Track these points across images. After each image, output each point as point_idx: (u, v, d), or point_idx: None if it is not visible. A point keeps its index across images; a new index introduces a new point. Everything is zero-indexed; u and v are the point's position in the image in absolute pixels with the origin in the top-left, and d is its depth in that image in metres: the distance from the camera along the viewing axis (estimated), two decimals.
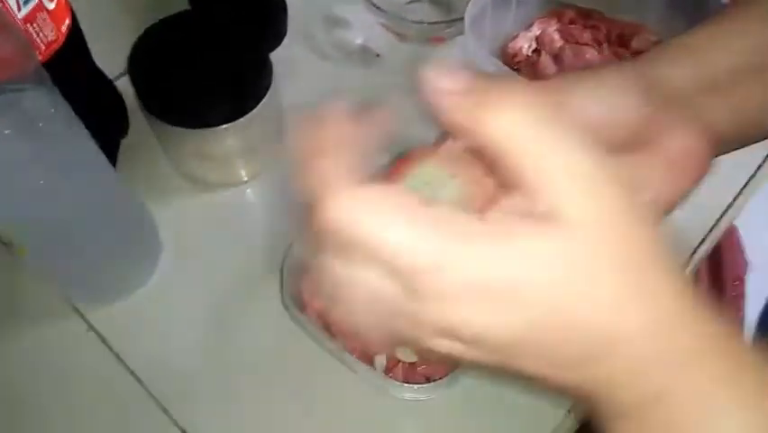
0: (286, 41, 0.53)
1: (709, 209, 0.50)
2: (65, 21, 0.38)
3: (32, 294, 0.45)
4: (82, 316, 0.45)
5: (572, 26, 0.56)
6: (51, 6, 0.37)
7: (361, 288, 0.21)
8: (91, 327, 0.45)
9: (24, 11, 0.35)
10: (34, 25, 0.36)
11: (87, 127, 0.37)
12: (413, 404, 0.42)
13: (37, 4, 0.36)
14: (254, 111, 0.44)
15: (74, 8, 0.41)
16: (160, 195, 0.49)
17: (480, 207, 0.22)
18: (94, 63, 0.46)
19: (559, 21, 0.57)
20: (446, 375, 0.40)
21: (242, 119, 0.44)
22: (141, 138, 0.51)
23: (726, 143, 0.29)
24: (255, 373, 0.43)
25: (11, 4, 0.35)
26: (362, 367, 0.40)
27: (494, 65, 0.48)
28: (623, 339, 0.20)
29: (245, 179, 0.51)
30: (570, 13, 0.57)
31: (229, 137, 0.45)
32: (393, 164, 0.25)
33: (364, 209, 0.21)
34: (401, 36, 0.57)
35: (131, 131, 0.52)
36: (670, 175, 0.28)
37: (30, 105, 0.31)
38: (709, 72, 0.28)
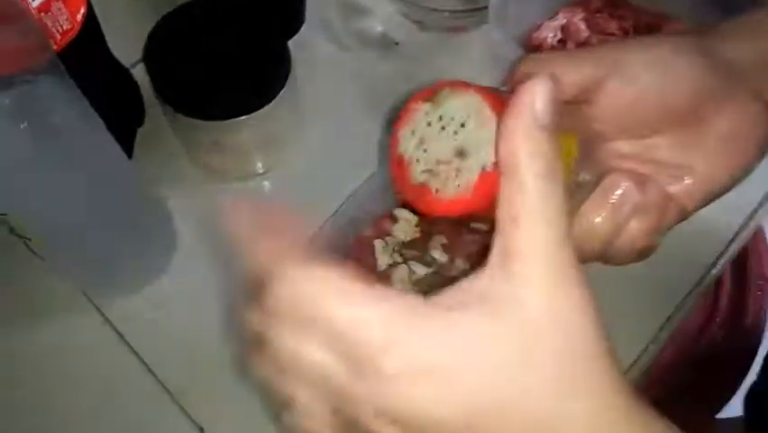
0: (302, 28, 0.52)
1: (738, 209, 0.49)
2: (80, 9, 0.37)
3: (48, 287, 0.45)
4: (97, 309, 0.45)
5: (599, 15, 0.55)
6: None
7: (306, 362, 0.21)
8: (106, 320, 0.44)
9: (39, 0, 0.35)
10: (49, 14, 0.35)
11: (103, 117, 0.36)
12: None
13: None
14: (272, 102, 0.43)
15: None
16: (174, 185, 0.49)
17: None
18: (109, 52, 0.45)
19: (585, 9, 0.55)
20: None
21: (259, 111, 0.43)
22: (157, 127, 0.50)
23: None
24: None
25: None
26: None
27: (518, 55, 0.46)
28: (563, 431, 0.20)
29: (261, 171, 0.50)
30: (596, 2, 0.55)
31: (246, 129, 0.44)
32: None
33: (318, 287, 0.21)
34: (421, 24, 0.56)
35: (146, 120, 0.51)
36: (719, 157, 0.27)
37: (45, 97, 0.30)
38: None
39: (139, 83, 0.50)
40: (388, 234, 0.47)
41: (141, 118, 0.50)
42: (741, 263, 0.73)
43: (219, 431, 0.41)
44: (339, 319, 0.20)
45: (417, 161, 0.23)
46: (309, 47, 0.53)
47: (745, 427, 0.67)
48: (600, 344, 0.20)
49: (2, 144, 0.29)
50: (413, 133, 0.23)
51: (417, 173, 0.23)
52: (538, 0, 0.53)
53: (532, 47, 0.53)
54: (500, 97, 0.22)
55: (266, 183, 0.50)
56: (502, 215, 0.20)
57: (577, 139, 0.26)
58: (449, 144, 0.22)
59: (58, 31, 0.36)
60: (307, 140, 0.51)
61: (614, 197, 0.27)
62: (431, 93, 0.23)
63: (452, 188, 0.22)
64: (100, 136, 0.35)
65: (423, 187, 0.23)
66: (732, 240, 0.48)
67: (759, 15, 0.28)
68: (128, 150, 0.47)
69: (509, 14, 0.51)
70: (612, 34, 0.53)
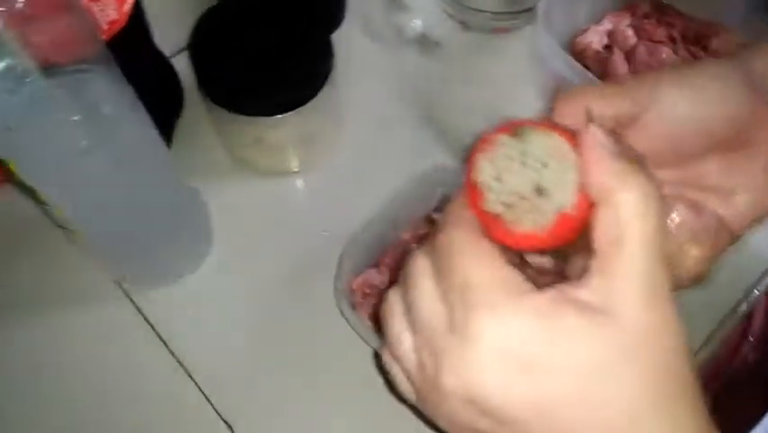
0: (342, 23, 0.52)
1: None
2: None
3: (85, 276, 0.45)
4: (131, 299, 0.45)
5: (646, 21, 0.53)
6: None
7: (424, 303, 0.23)
8: (139, 311, 0.44)
9: None
10: (98, 4, 0.35)
11: (145, 109, 0.35)
12: None
13: None
14: (314, 100, 0.42)
15: None
16: (210, 178, 0.48)
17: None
18: (153, 43, 0.45)
19: (632, 15, 0.54)
20: None
21: (301, 108, 0.42)
22: (194, 118, 0.50)
23: None
24: (302, 368, 0.43)
25: None
26: None
27: (565, 60, 0.46)
28: None
29: (296, 169, 0.49)
30: (644, 7, 0.54)
31: (285, 126, 0.44)
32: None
33: (467, 245, 0.23)
34: (463, 24, 0.55)
35: (184, 110, 0.50)
36: (767, 179, 0.27)
37: (96, 89, 0.30)
38: None
39: (179, 73, 0.49)
40: (425, 238, 0.46)
41: (180, 109, 0.49)
42: None
43: (248, 430, 0.41)
44: (466, 275, 0.22)
45: (493, 190, 0.23)
46: (348, 43, 0.52)
47: None
48: (686, 364, 0.21)
49: (55, 136, 0.28)
50: (491, 163, 0.24)
51: (491, 202, 0.23)
52: (586, 4, 0.52)
53: (577, 51, 0.52)
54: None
55: (299, 181, 0.50)
56: (600, 237, 0.21)
57: None
58: (528, 180, 0.23)
59: (105, 21, 0.36)
60: (343, 138, 0.50)
61: (671, 222, 0.27)
62: (514, 127, 0.24)
63: (527, 224, 0.23)
64: (146, 130, 0.35)
65: (496, 217, 0.23)
66: None
67: None
68: (167, 141, 0.47)
69: (556, 18, 0.50)
70: (660, 42, 0.52)
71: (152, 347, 0.43)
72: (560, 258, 0.27)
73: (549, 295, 0.21)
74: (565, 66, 0.45)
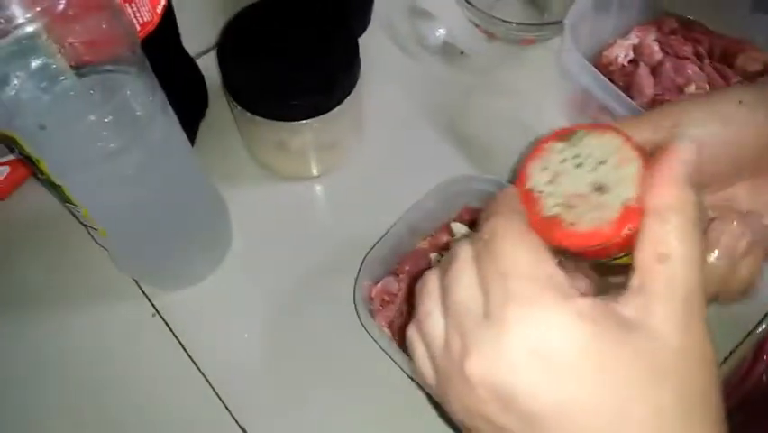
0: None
1: None
2: (161, 1, 0.37)
3: (104, 275, 0.45)
4: (149, 300, 0.45)
5: (672, 37, 0.53)
6: None
7: (462, 286, 0.23)
8: (157, 312, 0.44)
9: None
10: (133, 6, 0.35)
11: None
12: None
13: None
14: (340, 106, 0.42)
15: None
16: (231, 180, 0.48)
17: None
18: (181, 44, 0.45)
19: (658, 30, 0.53)
20: None
21: (326, 114, 0.42)
22: (218, 120, 0.50)
23: None
24: (318, 374, 0.42)
25: None
26: None
27: (590, 73, 0.45)
28: None
29: (316, 174, 0.49)
30: (670, 23, 0.54)
31: (309, 131, 0.44)
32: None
33: (514, 233, 0.23)
34: (489, 35, 0.55)
35: (208, 111, 0.51)
36: None
37: (130, 90, 0.30)
38: None
39: (204, 73, 0.50)
40: (444, 247, 0.46)
41: (204, 110, 0.50)
42: None
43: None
44: (511, 263, 0.22)
45: (548, 195, 0.23)
46: (372, 50, 0.52)
47: None
48: (715, 389, 0.21)
49: (86, 136, 0.28)
50: (544, 169, 0.24)
51: (548, 207, 0.23)
52: (613, 17, 0.52)
53: (602, 65, 0.52)
54: (636, 141, 0.23)
55: (319, 186, 0.50)
56: (644, 251, 0.21)
57: None
58: (585, 180, 0.23)
59: (138, 22, 0.36)
60: (364, 146, 0.50)
61: (727, 237, 0.27)
62: (565, 133, 0.24)
63: (589, 221, 0.22)
64: (175, 132, 0.35)
65: (554, 220, 0.23)
66: None
67: None
68: (190, 141, 0.47)
69: (583, 31, 0.49)
70: (686, 58, 0.51)
71: (169, 348, 0.43)
72: (600, 270, 0.27)
73: (591, 303, 0.21)
74: (591, 79, 0.45)
